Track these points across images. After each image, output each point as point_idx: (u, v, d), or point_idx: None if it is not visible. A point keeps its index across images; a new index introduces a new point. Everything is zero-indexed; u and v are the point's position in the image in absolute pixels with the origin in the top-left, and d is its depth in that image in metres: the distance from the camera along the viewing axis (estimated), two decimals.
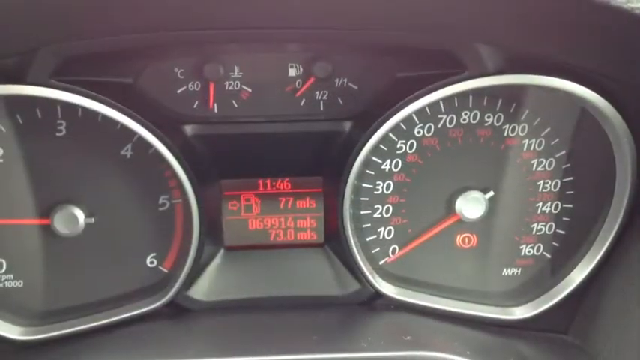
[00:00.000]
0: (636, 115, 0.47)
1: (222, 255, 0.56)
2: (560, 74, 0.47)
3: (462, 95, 0.50)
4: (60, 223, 0.51)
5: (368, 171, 0.53)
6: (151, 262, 0.54)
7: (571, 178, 0.54)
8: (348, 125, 0.53)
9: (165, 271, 0.54)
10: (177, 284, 0.53)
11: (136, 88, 0.50)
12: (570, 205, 0.54)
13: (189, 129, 0.52)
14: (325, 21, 0.46)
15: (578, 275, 0.53)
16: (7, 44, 0.42)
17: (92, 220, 0.52)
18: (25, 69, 0.45)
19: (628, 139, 0.48)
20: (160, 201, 0.53)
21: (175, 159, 0.49)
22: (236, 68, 0.52)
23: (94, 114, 0.49)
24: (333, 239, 0.55)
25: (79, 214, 0.51)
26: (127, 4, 0.39)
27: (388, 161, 0.53)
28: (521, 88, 0.51)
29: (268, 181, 0.55)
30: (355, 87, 0.52)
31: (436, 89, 0.48)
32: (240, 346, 0.46)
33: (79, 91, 0.46)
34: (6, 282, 0.53)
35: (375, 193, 0.54)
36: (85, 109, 0.49)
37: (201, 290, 0.54)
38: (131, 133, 0.50)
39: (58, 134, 0.51)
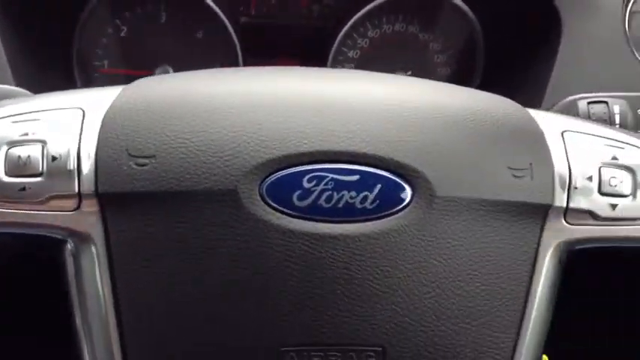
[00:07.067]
0: (486, 18, 0.85)
1: None
2: None
3: (397, 10, 0.87)
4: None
5: (340, 57, 0.90)
6: None
7: (458, 66, 0.93)
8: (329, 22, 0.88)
9: None
10: None
11: None
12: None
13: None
14: None
15: None
16: None
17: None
18: None
19: (480, 31, 0.86)
20: (216, 65, 0.89)
21: (236, 38, 0.84)
22: None
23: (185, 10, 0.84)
24: None
25: (170, 70, 0.86)
26: None
27: (352, 51, 0.90)
28: (431, 8, 0.88)
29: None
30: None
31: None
32: None
33: None
34: None
35: None
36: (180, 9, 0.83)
37: None
38: (206, 21, 0.84)
39: (161, 21, 0.85)
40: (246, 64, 0.87)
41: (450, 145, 0.41)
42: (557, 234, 0.43)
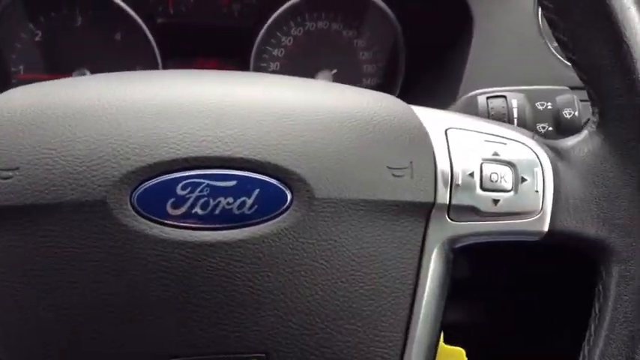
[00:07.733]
0: (403, 15, 0.86)
1: None
2: None
3: (319, 7, 0.87)
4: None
5: (264, 55, 0.89)
6: None
7: (383, 64, 0.93)
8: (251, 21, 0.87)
9: None
10: None
11: None
12: (380, 81, 0.93)
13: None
14: None
15: None
16: None
17: None
18: None
19: (400, 29, 0.87)
20: (136, 68, 0.87)
21: (154, 39, 0.82)
22: None
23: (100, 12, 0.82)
24: None
25: (87, 73, 0.84)
26: None
27: (276, 50, 0.90)
28: (352, 5, 0.88)
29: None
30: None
31: None
32: None
33: None
34: None
35: (268, 70, 0.91)
36: (96, 12, 0.81)
37: None
38: (123, 23, 0.82)
39: (76, 24, 0.83)
40: (165, 65, 0.86)
41: (329, 146, 0.41)
42: (441, 231, 0.43)
